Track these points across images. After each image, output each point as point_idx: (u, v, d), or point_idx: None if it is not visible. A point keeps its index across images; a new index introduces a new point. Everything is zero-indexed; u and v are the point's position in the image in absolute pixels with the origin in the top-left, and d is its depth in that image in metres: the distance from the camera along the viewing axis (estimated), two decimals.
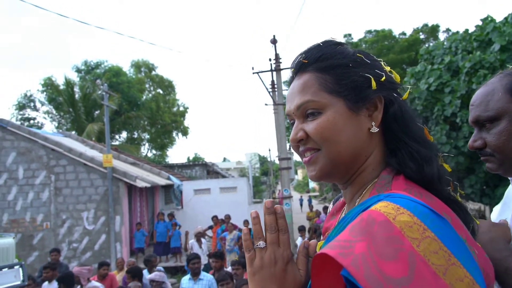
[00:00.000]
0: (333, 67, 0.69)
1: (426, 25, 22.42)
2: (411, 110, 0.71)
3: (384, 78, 0.69)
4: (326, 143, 0.67)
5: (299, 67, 0.73)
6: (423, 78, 9.44)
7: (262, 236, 0.67)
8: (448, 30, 21.77)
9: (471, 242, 0.56)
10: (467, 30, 9.54)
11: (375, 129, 0.67)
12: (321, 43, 0.74)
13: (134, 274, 5.06)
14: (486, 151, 0.95)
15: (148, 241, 10.86)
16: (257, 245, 0.66)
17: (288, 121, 0.73)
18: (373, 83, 0.68)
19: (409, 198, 0.56)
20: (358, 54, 0.72)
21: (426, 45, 14.41)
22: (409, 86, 0.74)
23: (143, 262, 6.20)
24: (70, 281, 4.63)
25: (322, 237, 0.83)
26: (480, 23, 8.96)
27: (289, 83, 0.77)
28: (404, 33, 22.62)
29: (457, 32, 10.04)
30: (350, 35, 23.15)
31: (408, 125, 0.68)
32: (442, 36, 21.40)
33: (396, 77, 0.73)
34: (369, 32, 22.81)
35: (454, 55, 9.18)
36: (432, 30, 22.05)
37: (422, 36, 22.11)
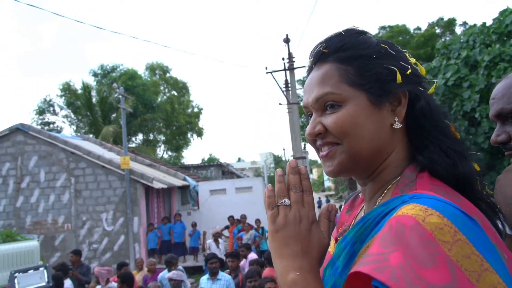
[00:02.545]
0: (356, 58, 0.65)
1: (441, 19, 21.96)
2: (439, 105, 0.67)
3: (409, 71, 0.65)
4: (347, 138, 0.63)
5: (319, 57, 0.68)
6: (439, 73, 9.26)
7: (287, 194, 0.64)
8: (465, 23, 21.27)
9: (501, 246, 0.52)
10: (484, 24, 9.30)
11: (398, 125, 0.64)
12: (343, 31, 0.69)
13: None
14: (511, 145, 0.92)
15: (160, 242, 10.95)
16: (282, 202, 0.63)
17: (302, 119, 0.70)
18: (398, 76, 0.64)
19: (436, 198, 0.52)
20: (382, 45, 0.67)
21: (443, 39, 14.12)
22: (435, 80, 0.70)
23: (164, 262, 6.29)
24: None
25: (335, 231, 0.79)
26: (498, 15, 8.73)
27: (307, 72, 0.72)
28: (419, 28, 22.22)
29: (475, 25, 9.81)
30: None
31: (437, 120, 0.64)
32: (459, 30, 20.92)
33: (422, 70, 0.68)
34: (383, 28, 22.49)
35: (472, 49, 8.97)
36: (449, 24, 21.57)
37: (438, 31, 21.66)
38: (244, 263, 6.13)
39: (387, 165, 0.66)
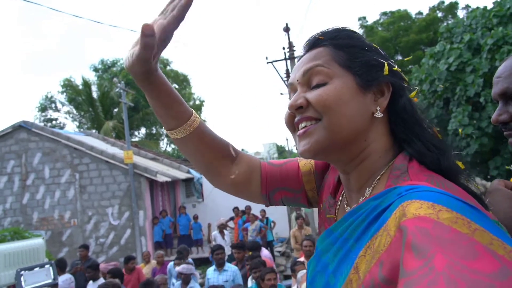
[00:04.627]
0: (348, 46, 0.68)
1: (442, 2, 21.63)
2: (421, 107, 0.69)
3: (395, 68, 0.68)
4: (329, 112, 0.63)
5: (314, 42, 0.70)
6: (442, 58, 9.14)
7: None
8: (468, 6, 20.95)
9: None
10: (485, 7, 9.15)
11: (379, 114, 0.65)
12: (339, 27, 0.72)
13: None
14: (511, 125, 0.90)
15: (164, 235, 11.07)
16: None
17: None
18: (386, 68, 0.66)
19: (435, 190, 0.52)
20: (373, 44, 0.71)
21: (445, 23, 13.95)
22: (416, 87, 0.73)
23: (176, 253, 6.33)
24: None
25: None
26: None
27: (298, 60, 0.73)
28: (420, 13, 21.91)
29: (477, 8, 9.65)
30: (364, 18, 22.59)
31: (419, 118, 0.66)
32: (461, 14, 20.63)
33: (404, 76, 0.71)
34: (385, 14, 22.21)
35: (474, 32, 8.84)
36: (451, 8, 21.25)
37: (440, 15, 21.36)
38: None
39: (369, 154, 0.66)
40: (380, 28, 21.46)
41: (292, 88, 0.71)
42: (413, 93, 0.70)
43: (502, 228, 0.50)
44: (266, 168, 0.88)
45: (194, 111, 0.82)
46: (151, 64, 0.70)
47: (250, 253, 5.33)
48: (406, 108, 0.66)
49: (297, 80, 0.68)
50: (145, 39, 0.63)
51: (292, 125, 0.70)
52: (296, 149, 0.70)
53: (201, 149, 0.83)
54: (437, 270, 0.42)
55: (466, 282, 0.41)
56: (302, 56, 0.72)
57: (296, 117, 0.68)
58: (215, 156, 0.85)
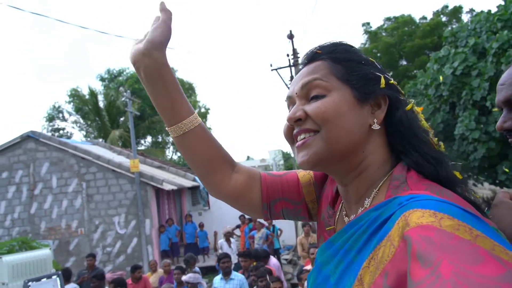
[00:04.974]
0: (346, 60, 0.69)
1: (446, 6, 21.60)
2: (417, 119, 0.70)
3: (392, 81, 0.70)
4: (327, 124, 0.64)
5: (312, 56, 0.72)
6: (447, 62, 9.11)
7: None
8: (472, 10, 20.90)
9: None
10: (489, 11, 9.12)
11: (376, 127, 0.66)
12: (336, 42, 0.74)
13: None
14: None
15: (171, 243, 11.06)
16: None
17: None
18: (382, 81, 0.68)
19: (435, 198, 0.52)
20: (370, 58, 0.72)
21: (450, 28, 13.91)
22: (412, 100, 0.73)
23: (183, 262, 6.31)
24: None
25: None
26: (503, 2, 8.55)
27: (297, 73, 0.76)
28: (425, 18, 21.90)
29: (482, 11, 9.62)
30: (368, 23, 22.63)
31: (415, 130, 0.67)
32: (465, 18, 20.58)
33: (401, 89, 0.73)
34: (388, 19, 22.23)
35: (479, 36, 8.81)
36: (454, 12, 21.22)
37: (444, 19, 21.33)
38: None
39: (367, 166, 0.67)
40: (384, 34, 21.47)
41: (290, 101, 0.72)
42: (409, 106, 0.70)
43: (502, 235, 0.50)
44: (266, 178, 0.88)
45: (195, 112, 0.84)
46: (163, 52, 0.75)
47: (255, 263, 5.29)
48: (403, 120, 0.67)
49: (296, 93, 0.69)
50: (164, 15, 0.74)
51: (291, 137, 0.71)
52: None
53: (201, 149, 0.82)
54: (444, 277, 0.43)
55: (473, 287, 0.41)
56: (301, 69, 0.74)
57: (295, 129, 0.69)
58: (214, 158, 0.83)
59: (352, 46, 0.73)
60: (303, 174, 0.88)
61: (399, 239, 0.50)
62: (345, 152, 0.65)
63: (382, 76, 0.68)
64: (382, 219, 0.56)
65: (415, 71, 17.82)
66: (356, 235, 0.59)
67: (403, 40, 20.15)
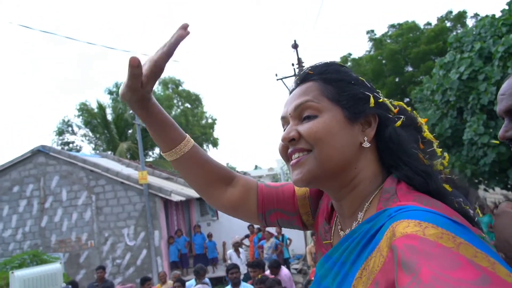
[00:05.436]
0: (336, 81, 0.72)
1: (450, 12, 21.57)
2: (407, 135, 0.72)
3: (381, 100, 0.73)
4: (319, 143, 0.67)
5: (304, 77, 0.76)
6: (453, 67, 9.08)
7: None
8: (476, 15, 20.85)
9: (483, 236, 0.56)
10: (494, 15, 9.11)
11: (367, 144, 0.69)
12: (327, 62, 0.77)
13: None
14: None
15: (180, 255, 11.06)
16: None
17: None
18: (372, 100, 0.71)
19: (422, 209, 0.55)
20: (360, 77, 0.76)
21: (455, 33, 13.88)
22: (402, 116, 0.74)
23: (193, 272, 6.31)
24: None
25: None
26: (507, 6, 8.53)
27: (290, 93, 0.79)
28: (429, 23, 21.88)
29: (486, 16, 9.60)
30: (372, 31, 22.69)
31: (404, 146, 0.69)
32: (470, 23, 20.52)
33: (391, 107, 0.76)
34: (393, 26, 22.25)
35: (485, 41, 8.78)
36: (459, 17, 21.18)
37: (448, 24, 21.30)
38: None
39: (360, 181, 0.69)
40: (389, 41, 21.47)
41: (285, 121, 0.76)
42: (399, 123, 0.72)
43: (487, 243, 0.53)
44: (263, 189, 0.93)
45: (188, 136, 0.89)
46: (141, 93, 0.75)
47: (260, 276, 5.25)
48: (392, 137, 0.69)
49: (289, 114, 0.73)
50: (131, 70, 0.70)
51: (286, 155, 0.74)
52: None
53: (194, 170, 0.89)
54: (424, 282, 0.46)
55: None
56: (293, 89, 0.77)
57: (289, 148, 0.72)
58: (209, 178, 0.91)
59: (342, 66, 0.77)
60: (299, 187, 0.92)
61: (388, 249, 0.53)
62: (337, 169, 0.68)
63: (371, 96, 0.71)
64: (373, 231, 0.59)
65: (421, 77, 17.74)
66: (350, 248, 0.62)
67: (408, 47, 20.12)
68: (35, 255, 9.40)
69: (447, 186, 0.68)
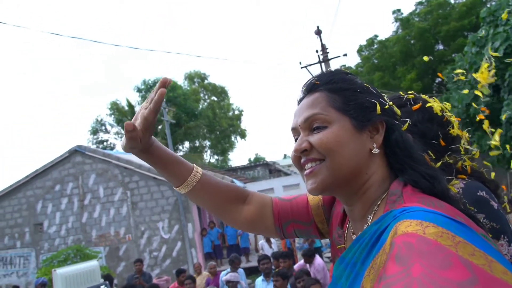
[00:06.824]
0: (343, 90, 0.75)
1: None
2: (412, 139, 0.75)
3: (387, 106, 0.75)
4: (330, 153, 0.70)
5: (311, 87, 0.78)
6: (487, 44, 8.59)
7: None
8: None
9: (487, 235, 0.58)
10: None
11: (376, 151, 0.72)
12: (332, 71, 0.80)
13: None
14: None
15: (214, 246, 11.35)
16: None
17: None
18: (378, 108, 0.73)
19: (424, 209, 0.57)
20: (365, 84, 0.78)
21: (488, 6, 13.08)
22: (408, 120, 0.76)
23: (228, 262, 6.49)
24: None
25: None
26: None
27: (298, 102, 0.82)
28: None
29: None
30: (399, 10, 21.80)
31: (410, 151, 0.72)
32: None
33: (397, 111, 0.78)
34: (420, 3, 21.26)
35: None
36: None
37: None
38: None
39: (370, 186, 0.72)
40: (417, 19, 20.56)
41: (295, 132, 0.79)
42: (405, 126, 0.74)
43: (489, 241, 0.55)
44: (277, 203, 0.98)
45: (195, 166, 0.96)
46: (141, 146, 0.84)
47: (280, 267, 5.24)
48: (398, 142, 0.72)
49: (300, 126, 0.76)
50: (127, 134, 0.81)
51: (299, 164, 0.77)
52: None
53: (208, 196, 0.96)
54: (413, 276, 0.49)
55: (434, 287, 0.46)
56: (301, 99, 0.80)
57: (302, 158, 0.75)
58: (223, 201, 0.97)
59: (348, 74, 0.79)
60: (312, 197, 0.97)
61: (389, 246, 0.56)
62: (349, 177, 0.71)
63: (377, 103, 0.74)
64: (380, 231, 0.61)
65: (453, 55, 16.93)
66: (360, 249, 0.65)
67: (438, 24, 19.20)
68: (78, 249, 9.95)
69: (452, 188, 0.69)
